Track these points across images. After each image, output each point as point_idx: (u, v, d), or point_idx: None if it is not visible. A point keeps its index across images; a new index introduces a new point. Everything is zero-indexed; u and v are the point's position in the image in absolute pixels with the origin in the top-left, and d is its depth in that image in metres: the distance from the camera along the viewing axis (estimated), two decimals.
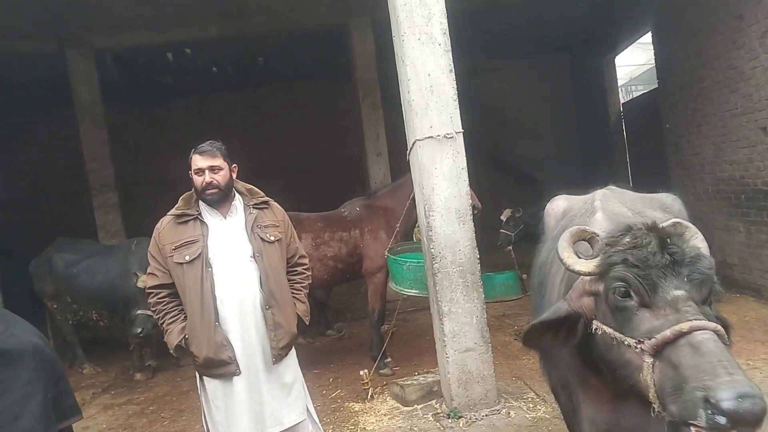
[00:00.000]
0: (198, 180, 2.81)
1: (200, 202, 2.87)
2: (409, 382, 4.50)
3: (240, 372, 2.78)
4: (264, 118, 10.73)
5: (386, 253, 4.99)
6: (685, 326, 1.45)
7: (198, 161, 2.82)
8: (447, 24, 3.98)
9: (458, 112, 4.00)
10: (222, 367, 2.77)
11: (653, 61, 10.14)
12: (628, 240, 1.65)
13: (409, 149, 4.26)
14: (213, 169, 2.81)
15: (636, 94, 14.31)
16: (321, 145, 11.16)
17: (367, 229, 5.35)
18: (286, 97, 11.06)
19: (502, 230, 7.43)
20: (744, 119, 6.31)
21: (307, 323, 3.10)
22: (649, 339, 1.49)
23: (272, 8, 7.66)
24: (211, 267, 2.77)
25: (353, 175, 9.94)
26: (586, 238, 1.80)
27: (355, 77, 8.53)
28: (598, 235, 1.77)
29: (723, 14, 6.37)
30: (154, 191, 10.85)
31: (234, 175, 2.95)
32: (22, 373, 1.44)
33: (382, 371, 5.18)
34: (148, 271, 2.91)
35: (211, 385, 2.84)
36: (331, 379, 5.30)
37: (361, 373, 4.72)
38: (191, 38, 7.92)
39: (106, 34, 7.68)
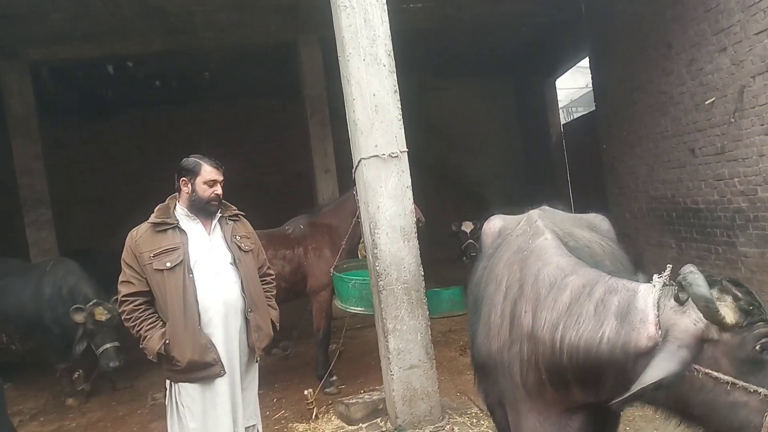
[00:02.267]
0: (208, 190, 2.99)
1: (178, 212, 3.01)
2: (354, 401, 4.47)
3: (225, 373, 2.91)
4: (210, 133, 10.51)
5: (332, 270, 4.98)
6: None
7: (213, 173, 3.01)
8: (392, 45, 4.05)
9: (402, 131, 4.06)
10: (206, 369, 2.87)
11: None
12: (742, 295, 1.65)
13: (354, 167, 4.29)
14: (221, 183, 3.06)
15: (576, 115, 14.90)
16: (268, 161, 11.06)
17: (311, 247, 5.31)
18: (233, 113, 10.94)
19: (470, 241, 7.54)
20: (674, 141, 6.67)
21: (278, 329, 3.28)
22: None
23: (219, 25, 7.59)
24: (192, 273, 2.89)
25: (301, 192, 9.89)
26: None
27: (303, 94, 8.53)
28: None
29: (654, 42, 6.75)
30: (91, 208, 10.49)
31: None
32: None
33: (327, 390, 5.13)
34: (122, 279, 2.96)
35: (189, 390, 2.91)
36: (275, 399, 5.20)
37: (306, 392, 4.66)
38: (134, 52, 7.75)
39: (42, 45, 7.40)
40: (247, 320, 3.04)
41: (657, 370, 1.59)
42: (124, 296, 2.94)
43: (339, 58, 4.24)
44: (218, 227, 3.09)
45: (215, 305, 2.92)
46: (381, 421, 4.28)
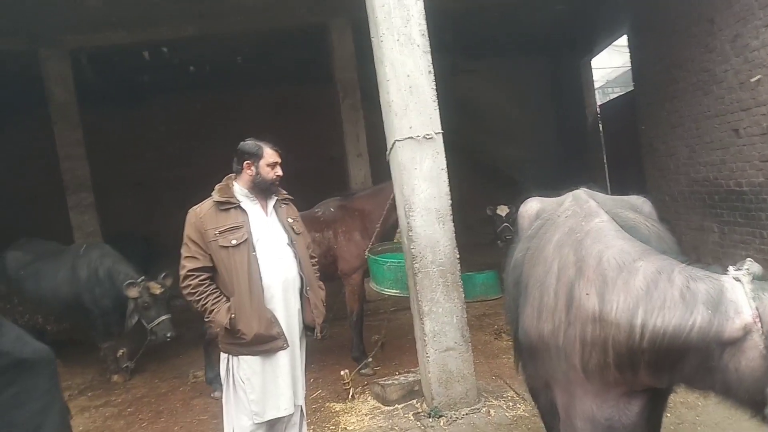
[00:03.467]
0: (271, 172, 3.12)
1: (237, 192, 3.11)
2: (390, 382, 4.51)
3: (288, 346, 3.04)
4: (243, 118, 10.60)
5: (366, 253, 4.99)
6: None
7: (275, 156, 3.15)
8: (426, 25, 4.00)
9: (437, 112, 4.03)
10: (270, 342, 2.99)
11: (629, 64, 10.31)
12: None
13: (388, 150, 4.27)
14: (281, 165, 3.18)
15: (612, 96, 14.52)
16: (301, 146, 11.09)
17: (341, 231, 5.33)
18: (266, 98, 11.00)
19: (506, 224, 7.52)
20: (717, 121, 6.45)
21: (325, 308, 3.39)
22: None
23: (249, 8, 7.61)
24: (255, 251, 3.00)
25: (334, 176, 9.92)
26: None
27: (334, 78, 8.53)
28: None
29: (695, 18, 6.51)
30: (131, 191, 10.75)
31: None
32: (41, 383, 1.39)
33: (363, 371, 5.18)
34: (187, 254, 3.04)
35: (250, 363, 3.01)
36: (311, 380, 5.27)
37: (342, 373, 4.73)
38: (167, 37, 7.83)
39: (79, 32, 7.55)
40: (303, 298, 3.16)
41: None
42: (189, 271, 3.01)
43: (372, 39, 4.22)
44: (274, 209, 3.21)
45: (276, 283, 3.03)
46: (417, 403, 4.31)
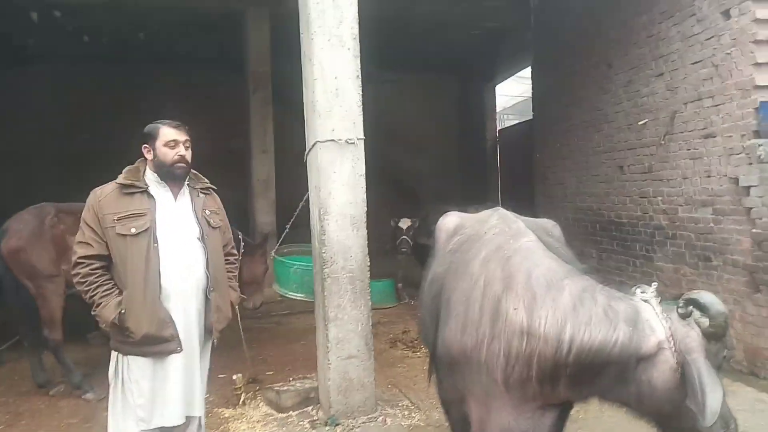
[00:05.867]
0: (170, 153, 2.80)
1: (148, 176, 2.83)
2: (285, 388, 4.38)
3: (181, 350, 2.77)
4: (140, 96, 9.89)
5: (272, 254, 4.84)
6: None
7: (172, 134, 2.82)
8: (358, 29, 3.97)
9: (361, 118, 4.00)
10: (162, 344, 2.74)
11: (527, 94, 10.97)
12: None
13: (307, 150, 4.17)
14: (185, 144, 2.85)
15: (508, 123, 15.39)
16: (199, 134, 10.56)
17: None
18: (170, 80, 10.33)
19: (404, 237, 7.69)
20: (605, 157, 7.03)
21: (237, 312, 3.26)
22: None
23: None
24: (157, 242, 2.73)
25: (233, 170, 9.55)
26: None
27: (247, 69, 8.24)
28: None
29: (595, 60, 7.07)
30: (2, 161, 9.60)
31: None
32: None
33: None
34: (80, 239, 2.79)
35: (140, 364, 2.73)
36: None
37: (234, 377, 4.52)
38: (69, 1, 7.11)
39: None
40: (207, 300, 2.89)
41: (717, 386, 1.81)
42: (80, 258, 2.76)
43: (301, 35, 4.11)
44: (188, 198, 2.93)
45: (176, 280, 2.77)
46: (312, 410, 4.22)
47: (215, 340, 3.02)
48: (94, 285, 2.74)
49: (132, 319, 2.68)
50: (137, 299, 2.69)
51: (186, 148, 2.85)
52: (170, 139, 2.81)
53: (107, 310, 2.70)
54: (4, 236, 4.58)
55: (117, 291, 2.75)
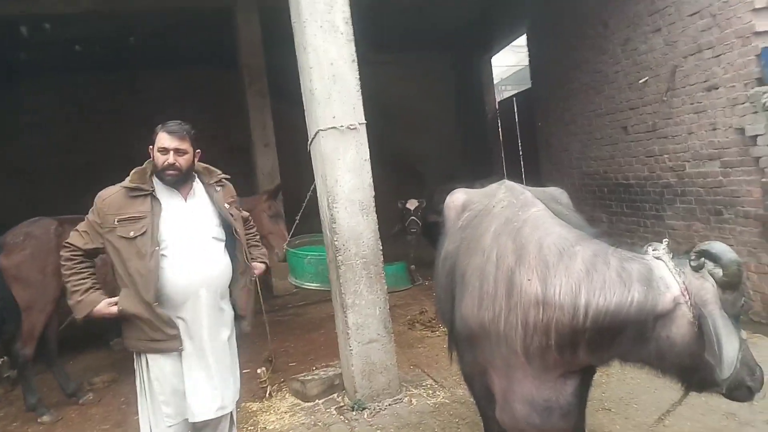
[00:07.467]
0: (161, 158, 2.78)
1: (156, 180, 2.83)
2: (309, 377, 4.42)
3: (183, 348, 2.77)
4: (141, 102, 9.88)
5: (285, 246, 4.86)
6: None
7: (165, 140, 2.77)
8: (350, 13, 3.93)
9: (361, 102, 3.98)
10: (162, 342, 2.75)
11: (523, 63, 10.83)
12: None
13: (310, 140, 4.16)
14: (178, 151, 2.78)
15: (506, 94, 15.23)
16: (203, 133, 10.54)
17: None
18: (165, 81, 10.30)
19: (412, 217, 7.67)
20: (608, 119, 6.97)
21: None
22: None
23: None
24: (158, 246, 2.72)
25: (240, 166, 9.54)
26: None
27: (240, 63, 8.19)
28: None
29: (591, 21, 6.97)
30: (10, 180, 9.64)
31: (196, 160, 2.93)
32: None
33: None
34: (80, 228, 2.81)
35: (156, 361, 2.78)
36: None
37: (259, 371, 4.56)
38: (60, 11, 7.06)
39: None
40: (224, 296, 2.91)
41: (733, 336, 1.82)
42: (68, 242, 2.80)
43: (293, 24, 4.08)
44: (203, 198, 2.90)
45: (183, 281, 2.75)
46: (338, 396, 4.27)
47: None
48: (72, 271, 2.78)
49: (129, 319, 2.73)
50: (135, 300, 2.70)
51: (180, 155, 2.79)
52: (161, 146, 2.78)
53: (81, 306, 2.74)
54: (3, 249, 4.60)
55: (92, 285, 2.78)
